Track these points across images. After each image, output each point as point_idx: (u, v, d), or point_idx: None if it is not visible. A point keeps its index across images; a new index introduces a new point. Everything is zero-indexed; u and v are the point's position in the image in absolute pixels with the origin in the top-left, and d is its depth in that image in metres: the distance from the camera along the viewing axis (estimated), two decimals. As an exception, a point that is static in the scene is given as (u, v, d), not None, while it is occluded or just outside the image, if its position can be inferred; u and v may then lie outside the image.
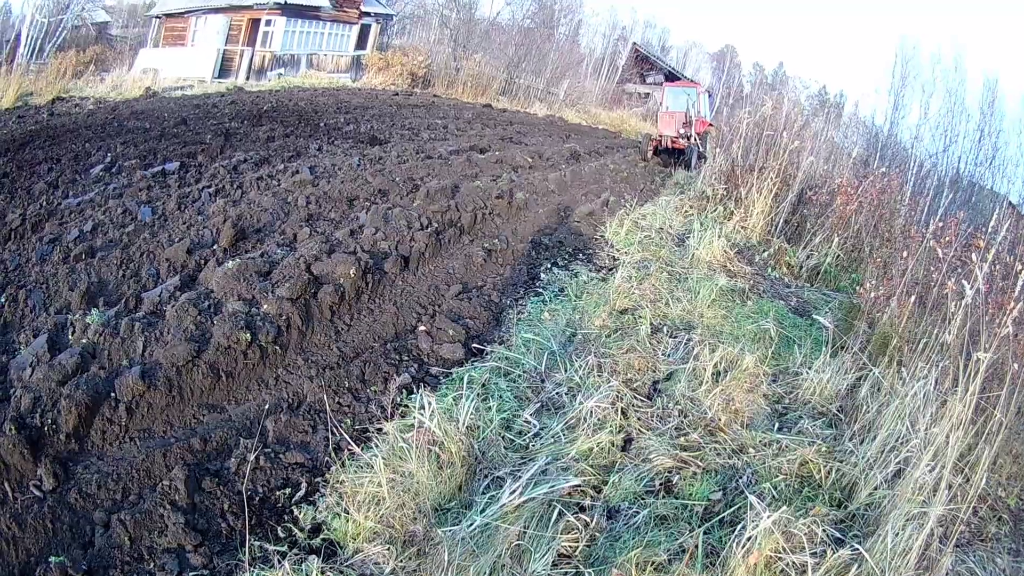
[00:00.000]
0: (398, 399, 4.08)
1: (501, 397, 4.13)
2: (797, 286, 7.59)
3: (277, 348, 4.46)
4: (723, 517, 3.27)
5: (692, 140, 15.31)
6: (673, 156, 16.05)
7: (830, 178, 10.75)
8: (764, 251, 8.39)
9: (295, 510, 3.20)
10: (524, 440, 3.78)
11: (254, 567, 2.81)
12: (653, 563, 2.91)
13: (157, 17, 27.71)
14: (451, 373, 4.52)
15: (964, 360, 3.67)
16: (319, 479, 3.43)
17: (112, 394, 3.64)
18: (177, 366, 3.94)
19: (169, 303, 4.71)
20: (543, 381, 4.43)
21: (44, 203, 6.84)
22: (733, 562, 2.83)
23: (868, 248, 8.22)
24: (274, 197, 7.17)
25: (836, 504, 3.54)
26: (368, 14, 28.11)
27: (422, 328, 5.12)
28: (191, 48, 25.59)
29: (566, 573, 2.90)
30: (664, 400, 4.32)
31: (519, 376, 4.47)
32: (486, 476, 3.41)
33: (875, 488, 3.48)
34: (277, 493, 3.32)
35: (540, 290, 6.22)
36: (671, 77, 35.09)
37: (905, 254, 5.64)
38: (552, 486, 3.25)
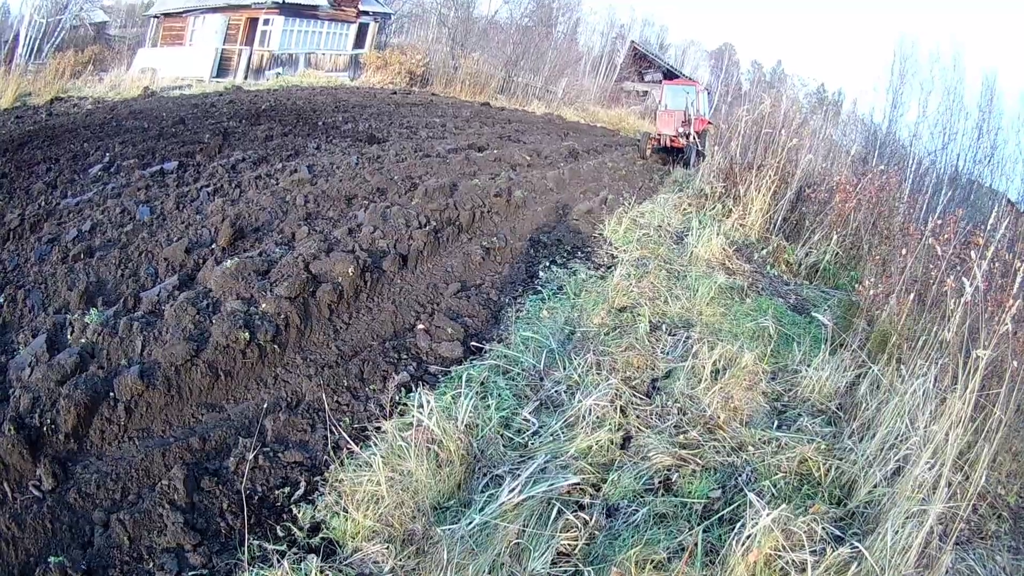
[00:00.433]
0: (397, 398, 4.07)
1: (500, 395, 4.13)
2: (796, 284, 7.59)
3: (276, 347, 4.46)
4: (722, 515, 3.27)
5: (691, 138, 15.32)
6: (672, 154, 16.05)
7: (829, 176, 10.75)
8: (763, 249, 8.39)
9: (294, 509, 3.20)
10: (523, 438, 3.78)
11: (253, 566, 2.81)
12: (652, 561, 2.91)
13: (155, 17, 27.68)
14: (450, 371, 4.52)
15: (963, 357, 3.67)
16: (318, 478, 3.42)
17: (111, 394, 3.63)
18: (176, 365, 3.94)
19: (168, 302, 4.70)
20: (542, 379, 4.43)
21: (43, 203, 6.83)
22: (733, 560, 2.83)
23: (867, 246, 8.23)
24: (272, 196, 7.16)
25: (836, 502, 3.54)
26: (366, 13, 28.07)
27: (421, 326, 5.11)
28: (189, 47, 25.57)
29: (565, 571, 2.90)
30: (663, 398, 4.32)
31: (518, 374, 4.47)
32: (485, 474, 3.41)
33: (875, 486, 3.48)
34: (276, 492, 3.32)
35: (539, 288, 6.22)
36: (669, 75, 35.11)
37: (904, 252, 5.64)
38: (551, 484, 3.25)
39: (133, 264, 5.42)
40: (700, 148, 14.57)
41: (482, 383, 4.24)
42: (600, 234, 8.37)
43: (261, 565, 2.81)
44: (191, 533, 2.98)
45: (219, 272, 5.01)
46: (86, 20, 26.81)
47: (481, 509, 3.07)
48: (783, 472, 3.65)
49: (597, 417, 3.90)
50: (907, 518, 3.06)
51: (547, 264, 6.93)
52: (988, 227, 4.92)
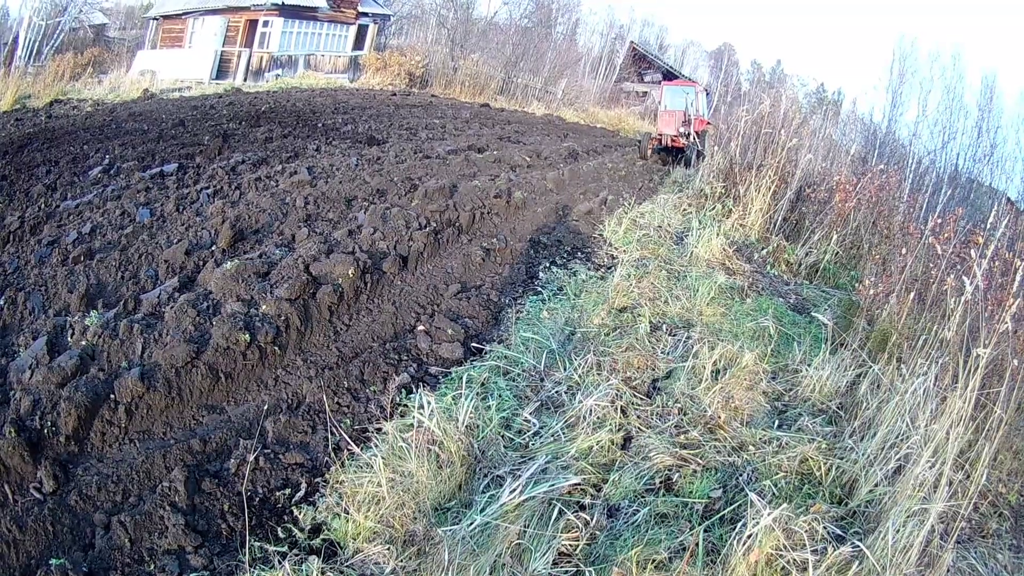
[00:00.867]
0: (397, 399, 4.07)
1: (500, 396, 4.13)
2: (796, 283, 7.59)
3: (276, 349, 4.46)
4: (723, 515, 3.27)
5: (691, 138, 15.35)
6: (672, 155, 16.09)
7: (828, 175, 10.73)
8: (763, 249, 8.39)
9: (295, 510, 3.20)
10: (524, 439, 3.78)
11: (254, 568, 2.81)
12: (654, 561, 2.91)
13: (154, 19, 27.70)
14: (450, 372, 4.52)
15: (964, 356, 3.67)
16: (319, 479, 3.42)
17: (111, 396, 3.63)
18: (176, 367, 3.94)
19: (168, 304, 4.70)
20: (542, 380, 4.43)
21: (42, 205, 6.84)
22: (734, 560, 2.83)
23: (867, 245, 8.23)
24: (272, 198, 7.17)
25: (837, 501, 3.54)
26: (365, 14, 28.10)
27: (421, 328, 5.11)
28: (189, 49, 25.59)
29: (567, 572, 2.90)
30: (664, 398, 4.32)
31: (518, 375, 4.47)
32: (486, 475, 3.41)
33: (875, 485, 3.48)
34: (277, 494, 3.32)
35: (539, 289, 6.22)
36: (669, 76, 35.12)
37: (904, 251, 5.65)
38: (552, 485, 3.25)
39: (133, 266, 5.42)
40: (700, 148, 14.59)
41: (483, 384, 4.24)
42: (600, 235, 8.38)
43: (262, 566, 2.81)
44: (192, 535, 2.98)
45: (219, 274, 5.01)
46: (85, 22, 26.81)
47: (482, 510, 3.07)
48: (784, 471, 3.64)
49: (598, 417, 3.90)
50: (908, 517, 3.06)
51: (547, 265, 6.93)
52: (988, 226, 4.92)
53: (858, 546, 2.92)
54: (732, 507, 3.30)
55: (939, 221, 5.45)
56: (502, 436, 3.74)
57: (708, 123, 16.82)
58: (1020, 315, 3.97)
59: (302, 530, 3.10)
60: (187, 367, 3.97)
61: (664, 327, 5.41)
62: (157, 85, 19.60)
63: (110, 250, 5.61)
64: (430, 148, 11.64)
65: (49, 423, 3.38)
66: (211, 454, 3.54)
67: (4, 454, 3.13)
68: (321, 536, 3.08)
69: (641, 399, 4.32)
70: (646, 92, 36.87)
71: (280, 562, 2.79)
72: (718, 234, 7.97)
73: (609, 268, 7.03)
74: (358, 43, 28.10)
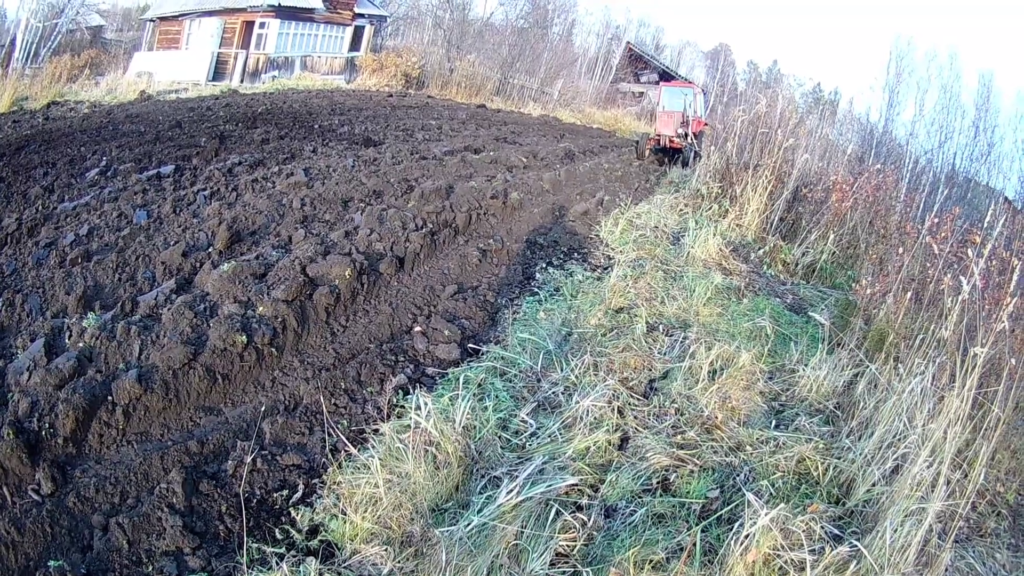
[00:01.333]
0: (394, 400, 4.07)
1: (497, 397, 4.13)
2: (793, 283, 7.59)
3: (273, 350, 4.46)
4: (721, 515, 3.27)
5: (689, 140, 15.39)
6: (669, 155, 16.12)
7: (825, 175, 10.74)
8: (759, 249, 8.39)
9: (292, 512, 3.20)
10: (521, 440, 3.78)
11: (252, 569, 2.81)
12: (651, 561, 2.91)
13: (151, 20, 27.65)
14: (447, 373, 4.52)
15: (961, 356, 3.67)
16: (316, 480, 3.42)
17: (109, 397, 3.63)
18: (173, 369, 3.93)
19: (165, 306, 4.70)
20: (539, 380, 4.43)
21: (40, 207, 6.83)
22: (731, 560, 2.84)
23: (864, 245, 8.24)
24: (269, 199, 7.16)
25: (834, 501, 3.54)
26: (362, 16, 28.10)
27: (418, 329, 5.11)
28: (185, 51, 25.57)
29: (564, 572, 2.90)
30: (660, 398, 4.32)
31: (515, 376, 4.47)
32: (483, 476, 3.41)
33: (873, 484, 3.48)
34: (274, 495, 3.32)
35: (535, 290, 6.22)
36: (665, 76, 35.18)
37: (901, 250, 5.66)
38: (549, 485, 3.25)
39: (130, 268, 5.42)
40: (697, 149, 14.61)
41: (479, 385, 4.24)
42: (596, 235, 8.38)
43: (260, 568, 2.81)
44: (190, 536, 2.98)
45: (216, 276, 5.01)
46: (82, 24, 26.77)
47: (479, 511, 3.07)
48: (781, 471, 3.65)
49: (595, 418, 3.90)
50: (906, 516, 3.06)
51: (544, 266, 6.93)
52: (985, 225, 4.93)
53: (856, 546, 2.92)
54: (729, 507, 3.30)
55: (936, 220, 5.47)
56: (499, 437, 3.74)
57: (705, 124, 16.86)
58: (1017, 314, 3.99)
59: (300, 531, 3.10)
60: (184, 369, 3.97)
61: (661, 327, 5.41)
62: (154, 87, 19.60)
63: (107, 252, 5.60)
64: (426, 149, 11.64)
65: (47, 425, 3.37)
66: (209, 455, 3.54)
67: (2, 456, 3.12)
68: (319, 537, 3.08)
69: (638, 399, 4.32)
70: (642, 92, 36.92)
71: (278, 563, 2.79)
72: (714, 234, 7.97)
73: (605, 269, 7.03)
74: (354, 44, 28.10)
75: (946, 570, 3.04)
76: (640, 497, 3.42)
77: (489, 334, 5.22)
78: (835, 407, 4.43)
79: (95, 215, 6.50)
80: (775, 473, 3.62)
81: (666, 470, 3.65)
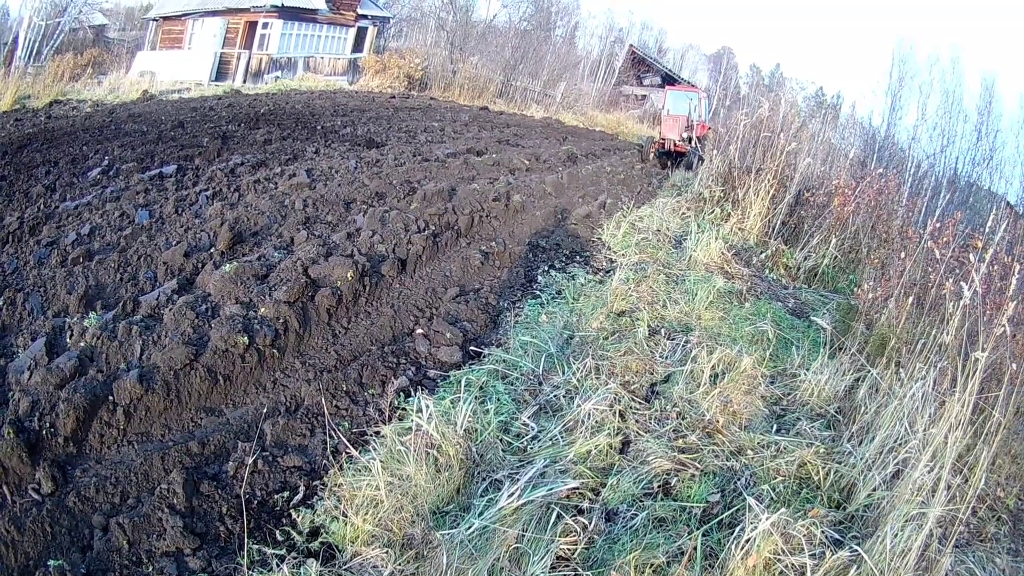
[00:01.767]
0: (396, 402, 4.07)
1: (499, 400, 4.13)
2: (795, 287, 7.59)
3: (274, 351, 4.46)
4: (721, 519, 3.27)
5: (693, 143, 15.41)
6: (672, 159, 16.15)
7: (827, 179, 10.73)
8: (761, 253, 8.39)
9: (293, 513, 3.20)
10: (522, 443, 3.78)
11: (253, 570, 2.81)
12: (652, 565, 2.90)
13: (154, 20, 27.72)
14: (449, 376, 4.52)
15: (962, 360, 3.67)
16: (317, 482, 3.42)
17: (110, 397, 3.63)
18: (175, 369, 3.94)
19: (167, 306, 4.70)
20: (541, 384, 4.43)
21: (42, 206, 6.83)
22: (732, 564, 2.83)
23: (866, 249, 8.23)
24: (271, 200, 7.17)
25: (835, 505, 3.54)
26: (365, 17, 28.14)
27: (419, 331, 5.11)
28: (188, 51, 25.62)
29: (565, 576, 2.90)
30: (662, 402, 4.32)
31: (517, 379, 4.47)
32: (484, 479, 3.41)
33: (874, 489, 3.48)
34: (275, 496, 3.32)
35: (537, 292, 6.22)
36: (668, 79, 35.18)
37: (903, 255, 5.65)
38: (550, 488, 3.25)
39: (132, 268, 5.42)
40: (700, 152, 14.63)
41: (481, 388, 4.24)
42: (599, 238, 8.38)
43: (260, 569, 2.81)
44: (190, 537, 2.98)
45: (218, 276, 5.01)
46: (85, 23, 26.82)
47: (480, 514, 3.07)
48: (782, 476, 3.65)
49: (596, 421, 3.90)
50: (906, 521, 3.06)
51: (546, 268, 6.93)
52: (987, 230, 4.92)
53: (856, 550, 2.92)
54: (730, 511, 3.30)
55: (938, 225, 5.45)
56: (500, 440, 3.74)
57: (709, 128, 16.89)
58: (1018, 319, 3.98)
59: (300, 533, 3.10)
60: (186, 369, 3.97)
61: (662, 331, 5.41)
62: (156, 86, 19.62)
63: (109, 251, 5.60)
64: (429, 151, 11.65)
65: (48, 424, 3.37)
66: (209, 456, 3.54)
67: (3, 455, 3.12)
68: (319, 539, 3.07)
69: (639, 403, 4.32)
70: (645, 95, 36.93)
71: (278, 565, 2.79)
72: (717, 238, 7.97)
73: (608, 272, 7.03)
74: (357, 45, 28.14)
75: (946, 575, 3.03)
76: (641, 501, 3.42)
77: (491, 337, 5.22)
78: (836, 411, 4.42)
79: (97, 214, 6.50)
80: (776, 477, 3.62)
81: (667, 474, 3.64)
